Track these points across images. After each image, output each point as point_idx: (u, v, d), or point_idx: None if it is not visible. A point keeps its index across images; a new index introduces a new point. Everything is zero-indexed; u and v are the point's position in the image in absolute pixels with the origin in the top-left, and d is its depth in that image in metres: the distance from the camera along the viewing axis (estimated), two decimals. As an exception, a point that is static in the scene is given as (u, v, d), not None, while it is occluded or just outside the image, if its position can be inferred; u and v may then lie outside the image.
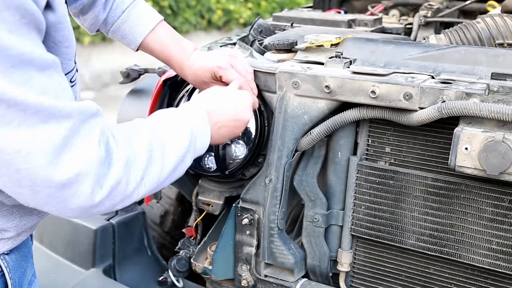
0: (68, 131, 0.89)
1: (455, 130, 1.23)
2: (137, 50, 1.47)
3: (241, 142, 1.55)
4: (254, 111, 1.51)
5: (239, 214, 1.54)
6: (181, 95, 1.64)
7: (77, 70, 1.14)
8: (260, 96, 1.52)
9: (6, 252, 1.08)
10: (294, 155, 1.47)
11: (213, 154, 1.56)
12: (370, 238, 1.47)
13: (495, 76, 1.27)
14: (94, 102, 0.97)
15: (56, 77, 0.90)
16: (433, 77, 1.34)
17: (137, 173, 1.01)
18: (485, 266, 1.33)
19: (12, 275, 1.09)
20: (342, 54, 1.46)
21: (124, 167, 0.98)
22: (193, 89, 1.59)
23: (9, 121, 0.84)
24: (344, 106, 1.40)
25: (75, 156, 0.90)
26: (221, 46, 1.71)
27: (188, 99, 1.57)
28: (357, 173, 1.45)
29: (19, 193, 0.92)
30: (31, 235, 1.20)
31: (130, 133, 1.04)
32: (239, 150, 1.56)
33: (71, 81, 1.08)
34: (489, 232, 1.31)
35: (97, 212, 0.99)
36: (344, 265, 1.52)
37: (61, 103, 0.88)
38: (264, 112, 1.54)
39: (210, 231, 1.71)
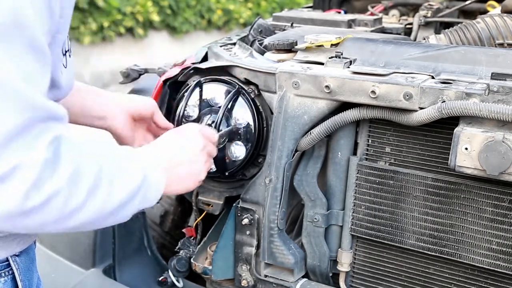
0: (25, 121, 0.84)
1: (455, 130, 1.23)
2: None
3: (240, 143, 1.55)
4: (253, 111, 1.52)
5: (239, 214, 1.54)
6: (181, 95, 1.64)
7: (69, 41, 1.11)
8: (260, 96, 1.53)
9: (16, 254, 1.07)
10: (294, 155, 1.47)
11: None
12: (370, 238, 1.47)
13: (495, 76, 1.27)
14: (64, 109, 0.93)
15: (37, 66, 0.88)
16: (433, 77, 1.34)
17: (81, 192, 0.91)
18: (485, 266, 1.33)
19: (23, 278, 1.08)
20: (342, 54, 1.46)
21: (68, 179, 0.89)
22: (194, 88, 1.58)
23: None
24: (344, 106, 1.40)
25: (18, 149, 0.83)
26: (221, 46, 1.71)
27: (188, 99, 1.57)
28: (357, 173, 1.45)
29: None
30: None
31: (85, 149, 0.96)
32: (238, 151, 1.55)
33: (65, 51, 1.07)
34: (489, 232, 1.31)
35: (22, 226, 0.88)
36: (344, 265, 1.52)
37: (37, 94, 0.86)
38: (263, 113, 1.54)
39: (210, 231, 1.71)
